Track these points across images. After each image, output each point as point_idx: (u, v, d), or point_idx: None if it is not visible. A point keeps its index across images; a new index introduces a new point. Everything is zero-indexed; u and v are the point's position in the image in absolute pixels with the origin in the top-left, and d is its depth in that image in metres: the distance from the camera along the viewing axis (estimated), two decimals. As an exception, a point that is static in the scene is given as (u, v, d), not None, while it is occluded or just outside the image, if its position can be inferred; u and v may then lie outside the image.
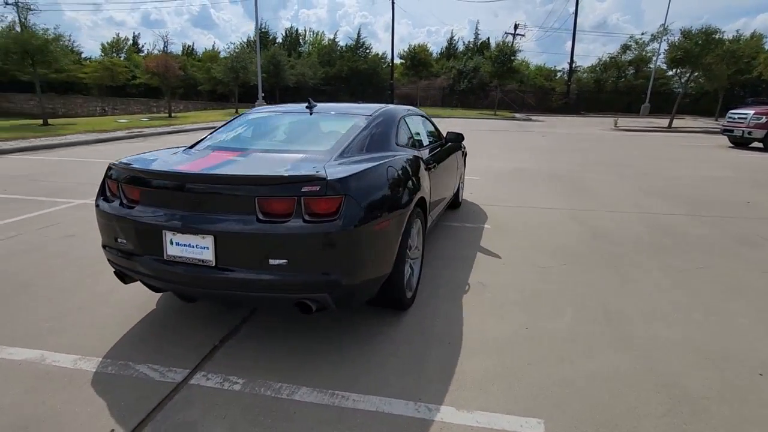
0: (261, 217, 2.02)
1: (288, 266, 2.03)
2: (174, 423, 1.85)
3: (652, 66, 29.30)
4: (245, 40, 36.76)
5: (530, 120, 27.14)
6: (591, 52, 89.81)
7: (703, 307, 2.96)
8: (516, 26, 36.91)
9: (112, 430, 1.81)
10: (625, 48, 23.78)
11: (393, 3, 31.30)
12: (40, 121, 15.27)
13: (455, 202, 5.31)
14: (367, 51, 38.20)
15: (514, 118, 28.23)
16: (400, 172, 2.56)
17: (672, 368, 2.28)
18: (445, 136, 4.42)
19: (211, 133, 3.05)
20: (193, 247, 2.09)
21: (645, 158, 10.70)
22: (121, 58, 44.51)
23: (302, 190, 1.99)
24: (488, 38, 41.02)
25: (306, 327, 2.63)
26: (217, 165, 2.32)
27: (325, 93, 35.72)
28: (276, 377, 2.16)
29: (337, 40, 40.63)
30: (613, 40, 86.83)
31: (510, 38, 36.08)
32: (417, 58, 29.49)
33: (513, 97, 34.54)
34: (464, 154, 5.42)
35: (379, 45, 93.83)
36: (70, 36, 22.21)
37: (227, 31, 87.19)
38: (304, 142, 2.76)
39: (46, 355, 2.33)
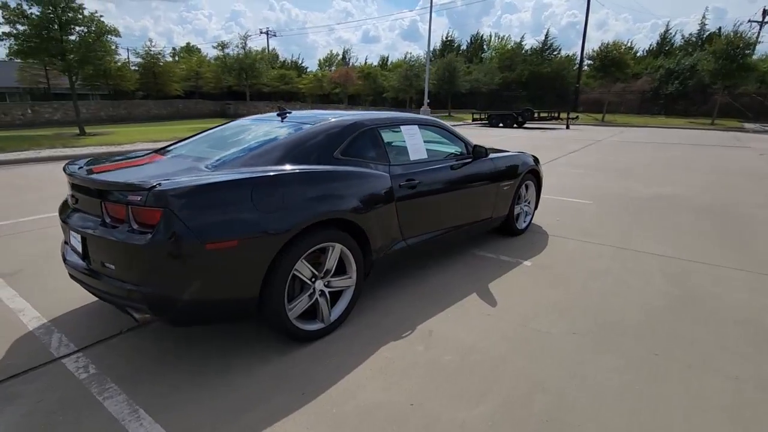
0: (105, 220, 2.10)
1: (115, 272, 2.05)
2: (8, 392, 2.10)
3: None
4: (432, 49, 38.42)
5: (765, 132, 20.43)
6: None
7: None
8: (766, 12, 28.25)
9: (-26, 383, 2.16)
10: None
11: (588, -3, 27.81)
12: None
13: (510, 229, 4.43)
14: (555, 53, 35.05)
15: (741, 129, 21.76)
16: (283, 188, 2.28)
17: None
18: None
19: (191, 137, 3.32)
20: (77, 241, 2.32)
21: None
22: (331, 71, 52.43)
23: (128, 198, 1.99)
24: (719, 28, 32.30)
25: (201, 338, 2.60)
26: (122, 168, 2.51)
27: (501, 98, 34.47)
28: (117, 377, 2.21)
29: (523, 43, 38.63)
30: None
31: (755, 27, 27.89)
32: (608, 58, 25.49)
33: (746, 102, 26.55)
34: (527, 173, 4.44)
35: (587, 45, 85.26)
36: (279, 55, 27.01)
37: (431, 41, 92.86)
38: (222, 150, 2.69)
39: (26, 309, 2.93)
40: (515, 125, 23.74)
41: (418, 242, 3.25)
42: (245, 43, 18.36)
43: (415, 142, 3.30)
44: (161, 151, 3.05)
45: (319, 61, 56.74)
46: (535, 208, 4.88)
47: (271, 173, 2.31)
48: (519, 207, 4.53)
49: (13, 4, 11.94)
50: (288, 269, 2.29)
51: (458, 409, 2.02)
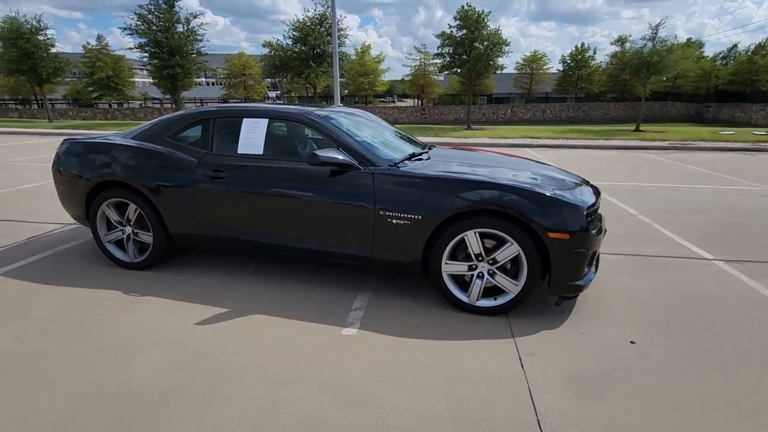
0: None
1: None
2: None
3: None
4: None
5: None
6: None
7: None
8: None
9: None
10: None
11: None
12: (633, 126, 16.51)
13: (442, 292, 2.80)
14: None
15: None
16: (87, 153, 3.45)
17: None
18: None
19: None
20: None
21: None
22: None
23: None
24: None
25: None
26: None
27: None
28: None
29: None
30: None
31: None
32: None
33: None
34: (486, 216, 2.52)
35: None
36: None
37: None
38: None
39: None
40: None
41: (239, 239, 3.15)
42: (656, 33, 14.80)
43: (251, 135, 3.08)
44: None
45: None
46: (550, 284, 2.64)
47: (87, 142, 3.47)
48: (467, 267, 2.71)
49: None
50: (96, 207, 3.39)
51: None
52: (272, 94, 55.06)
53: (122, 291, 3.09)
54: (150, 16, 17.26)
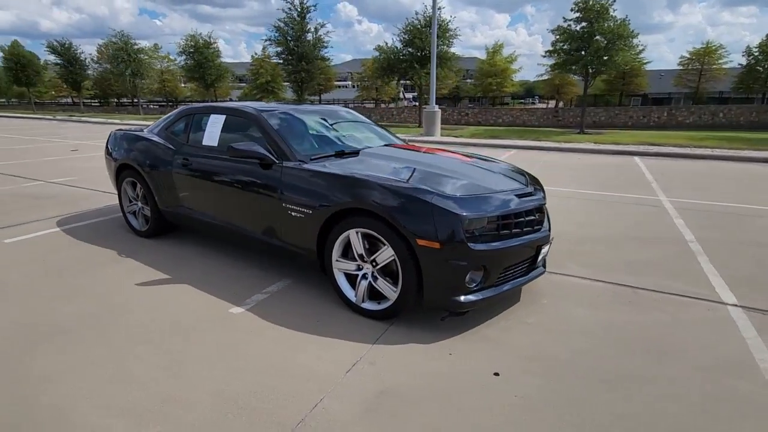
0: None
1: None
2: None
3: None
4: None
5: None
6: None
7: None
8: None
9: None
10: None
11: None
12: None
13: (335, 288, 2.80)
14: None
15: None
16: (116, 140, 4.26)
17: None
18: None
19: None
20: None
21: None
22: None
23: (122, 134, 4.73)
24: None
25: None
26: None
27: None
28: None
29: None
30: None
31: None
32: None
33: None
34: (364, 216, 2.43)
35: None
36: None
37: None
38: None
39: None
40: None
41: (201, 218, 3.59)
42: None
43: (212, 129, 3.48)
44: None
45: None
46: (420, 296, 2.44)
47: (122, 131, 4.25)
48: (355, 267, 2.66)
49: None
50: (120, 184, 4.22)
51: None
52: (408, 95, 56.85)
53: (118, 252, 3.81)
54: (286, 27, 19.69)
